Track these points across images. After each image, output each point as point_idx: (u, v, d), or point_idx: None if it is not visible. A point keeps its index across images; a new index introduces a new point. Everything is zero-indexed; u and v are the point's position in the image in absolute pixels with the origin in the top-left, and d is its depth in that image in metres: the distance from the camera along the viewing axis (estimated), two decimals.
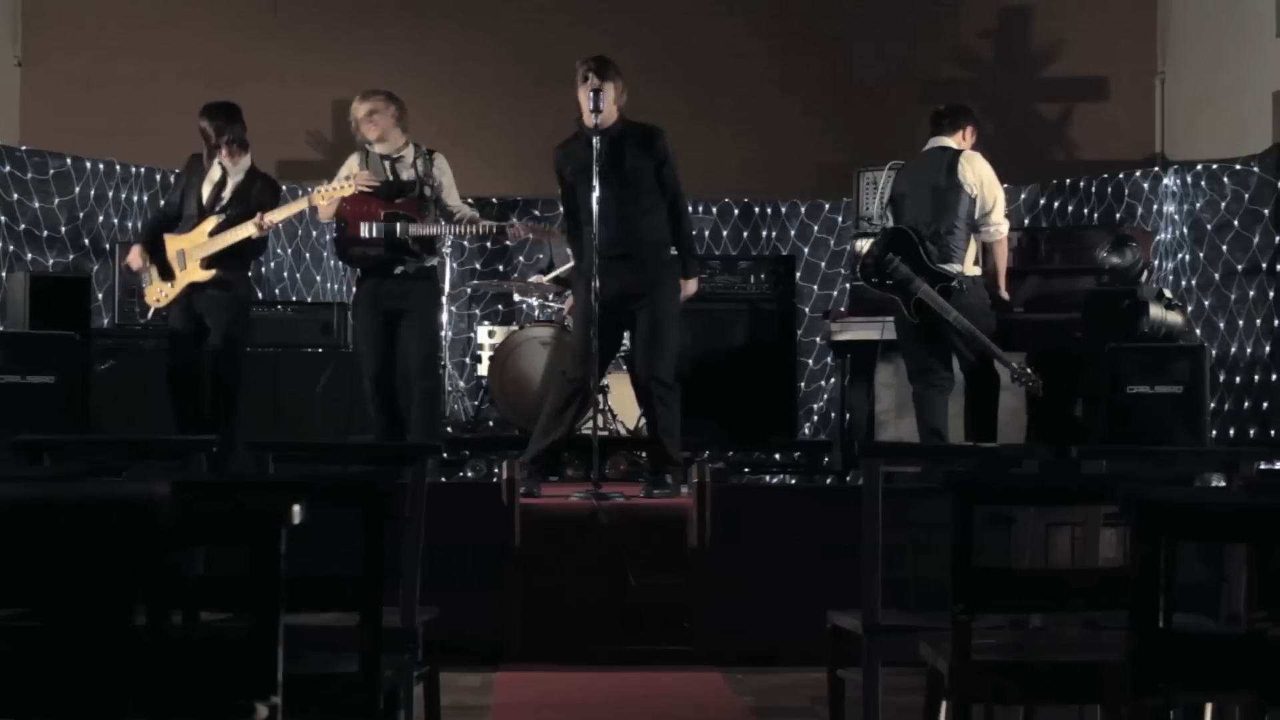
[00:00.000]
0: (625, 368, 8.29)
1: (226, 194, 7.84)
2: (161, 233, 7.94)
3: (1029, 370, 7.20)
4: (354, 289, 8.24)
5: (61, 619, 1.79)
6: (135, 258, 7.89)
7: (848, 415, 9.11)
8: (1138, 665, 2.15)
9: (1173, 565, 2.36)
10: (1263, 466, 7.06)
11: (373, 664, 2.99)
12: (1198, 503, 2.13)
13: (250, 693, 2.01)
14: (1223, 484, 4.34)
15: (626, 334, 7.50)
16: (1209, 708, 3.32)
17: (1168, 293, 8.29)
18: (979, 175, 7.53)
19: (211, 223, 7.79)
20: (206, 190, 7.86)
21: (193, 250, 7.79)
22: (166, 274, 7.85)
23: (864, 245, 8.96)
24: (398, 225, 7.81)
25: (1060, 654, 3.45)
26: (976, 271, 7.61)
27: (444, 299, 8.93)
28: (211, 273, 7.75)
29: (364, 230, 7.83)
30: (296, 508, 2.03)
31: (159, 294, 7.89)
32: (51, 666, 1.84)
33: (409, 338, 7.83)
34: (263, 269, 10.68)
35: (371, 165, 7.99)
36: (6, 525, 1.71)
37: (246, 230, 7.68)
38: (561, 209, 7.63)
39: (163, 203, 8.22)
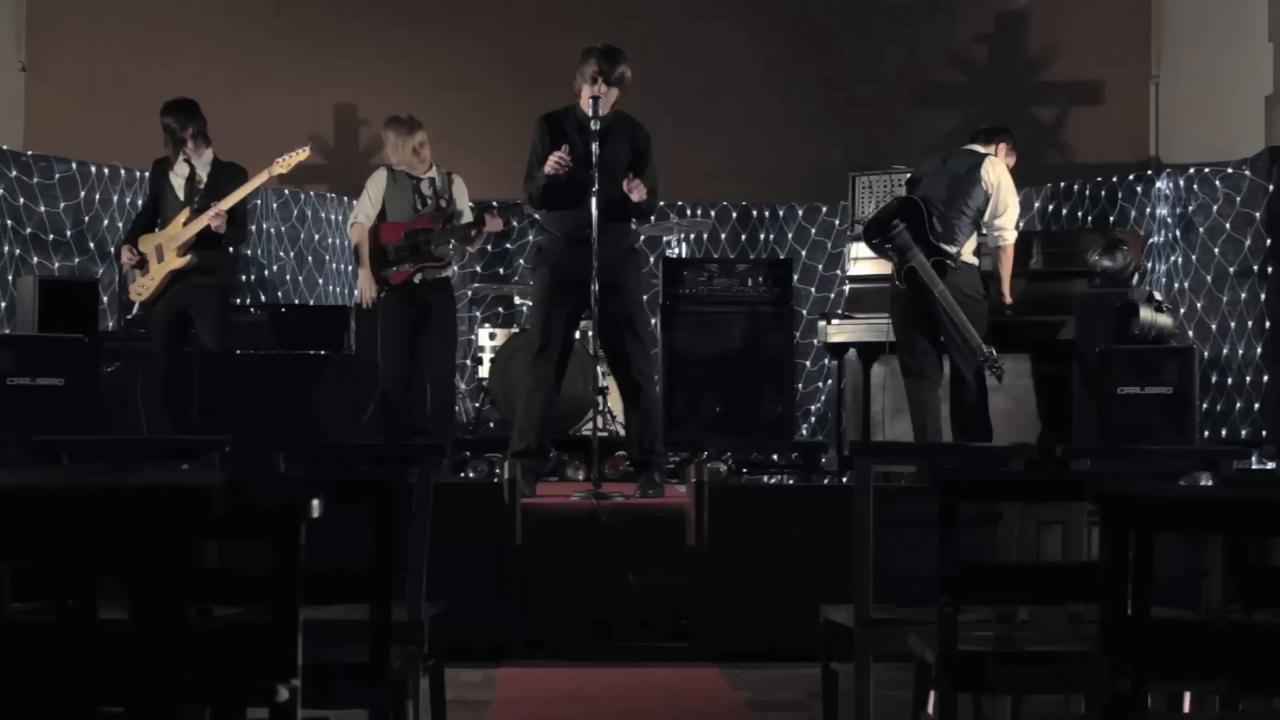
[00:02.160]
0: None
1: (199, 186, 8.07)
2: (140, 234, 8.16)
3: (995, 357, 7.34)
4: (384, 298, 8.44)
5: (113, 607, 1.90)
6: (126, 258, 8.11)
7: (843, 416, 9.22)
8: (1107, 650, 2.27)
9: (1147, 557, 2.47)
10: (1254, 465, 7.19)
11: (383, 654, 3.12)
12: (1163, 497, 2.24)
13: (272, 676, 2.13)
14: (1210, 482, 4.45)
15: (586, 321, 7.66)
16: (1188, 697, 3.45)
17: (1158, 295, 8.40)
18: (999, 179, 7.72)
19: (185, 214, 8.03)
20: (180, 185, 8.11)
21: (169, 242, 8.02)
22: (145, 270, 8.06)
23: (859, 248, 9.08)
24: (418, 239, 8.26)
25: (1045, 645, 3.57)
26: (974, 261, 7.75)
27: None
28: (188, 258, 7.98)
29: (390, 254, 8.30)
30: (316, 502, 2.15)
31: (140, 289, 8.09)
32: (91, 653, 1.95)
33: (430, 345, 8.22)
34: (265, 272, 10.78)
35: (399, 184, 8.37)
36: (63, 513, 1.81)
37: (209, 215, 7.93)
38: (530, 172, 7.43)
39: (140, 214, 8.44)
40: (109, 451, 4.61)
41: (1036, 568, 3.65)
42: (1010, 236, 7.81)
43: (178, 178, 8.13)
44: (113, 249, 9.86)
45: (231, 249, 8.44)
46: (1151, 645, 2.22)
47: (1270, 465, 7.95)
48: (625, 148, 7.29)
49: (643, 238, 10.19)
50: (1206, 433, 9.45)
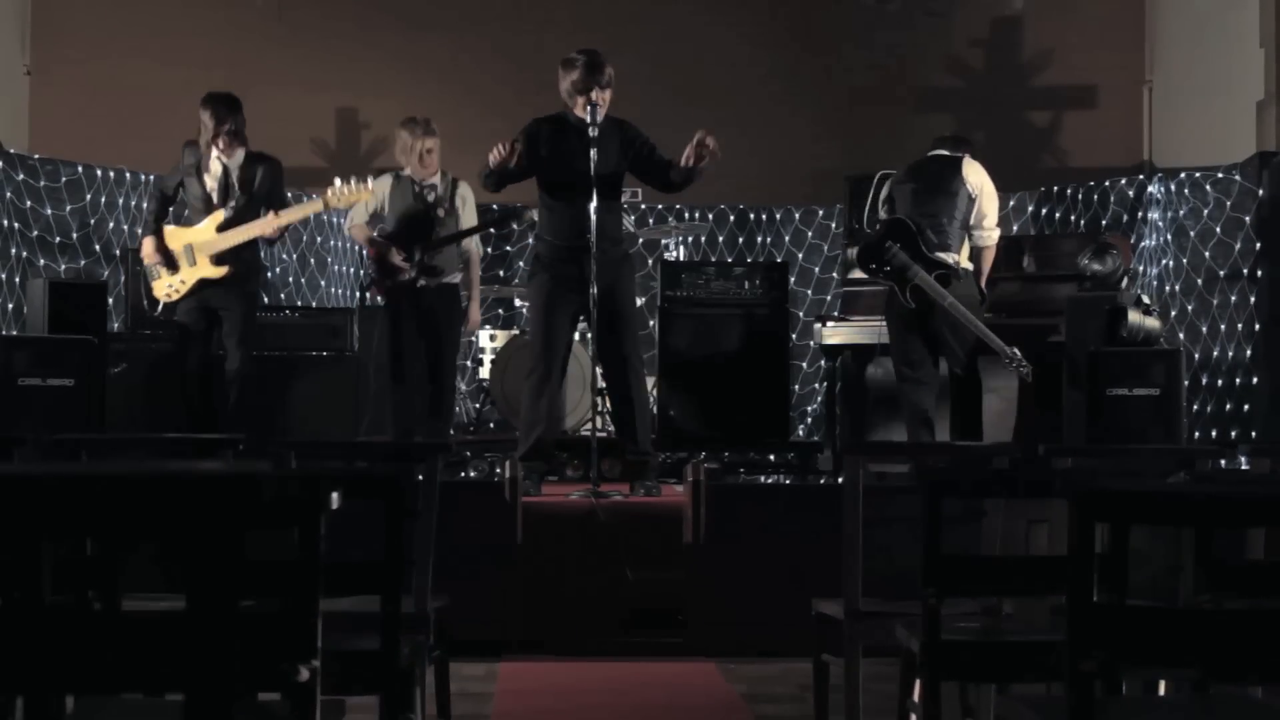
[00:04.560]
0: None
1: (233, 186, 8.01)
2: (161, 220, 8.16)
3: (1020, 355, 7.42)
4: (389, 304, 8.54)
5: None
6: (150, 252, 8.07)
7: (837, 416, 9.33)
8: (1073, 634, 2.42)
9: (1122, 549, 2.61)
10: (1244, 465, 7.30)
11: (393, 642, 3.27)
12: (1122, 491, 2.38)
13: (294, 657, 2.27)
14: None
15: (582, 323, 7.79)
16: (1163, 685, 3.58)
17: (1146, 299, 8.53)
18: (980, 181, 7.79)
19: (219, 217, 7.98)
20: (210, 184, 8.03)
21: (201, 245, 7.98)
22: (173, 267, 8.05)
23: (856, 253, 9.18)
24: (417, 249, 8.35)
25: (1026, 635, 3.72)
26: (969, 266, 7.84)
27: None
28: (224, 269, 7.97)
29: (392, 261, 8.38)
30: (335, 494, 2.29)
31: (168, 289, 8.07)
32: (137, 640, 2.08)
33: (434, 345, 8.36)
34: (268, 274, 10.89)
35: (402, 188, 8.46)
36: (126, 498, 1.94)
37: (258, 230, 7.93)
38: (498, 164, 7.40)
39: (160, 190, 8.29)
40: (126, 449, 4.75)
41: (1016, 560, 3.79)
42: (993, 237, 7.90)
43: (210, 177, 8.04)
44: (117, 252, 9.97)
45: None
46: (1113, 629, 2.36)
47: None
48: (616, 150, 7.41)
49: (640, 241, 10.34)
50: (1197, 434, 9.58)
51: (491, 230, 10.72)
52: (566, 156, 7.35)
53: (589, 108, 7.29)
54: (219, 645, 1.97)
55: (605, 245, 7.29)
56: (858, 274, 9.37)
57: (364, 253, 8.97)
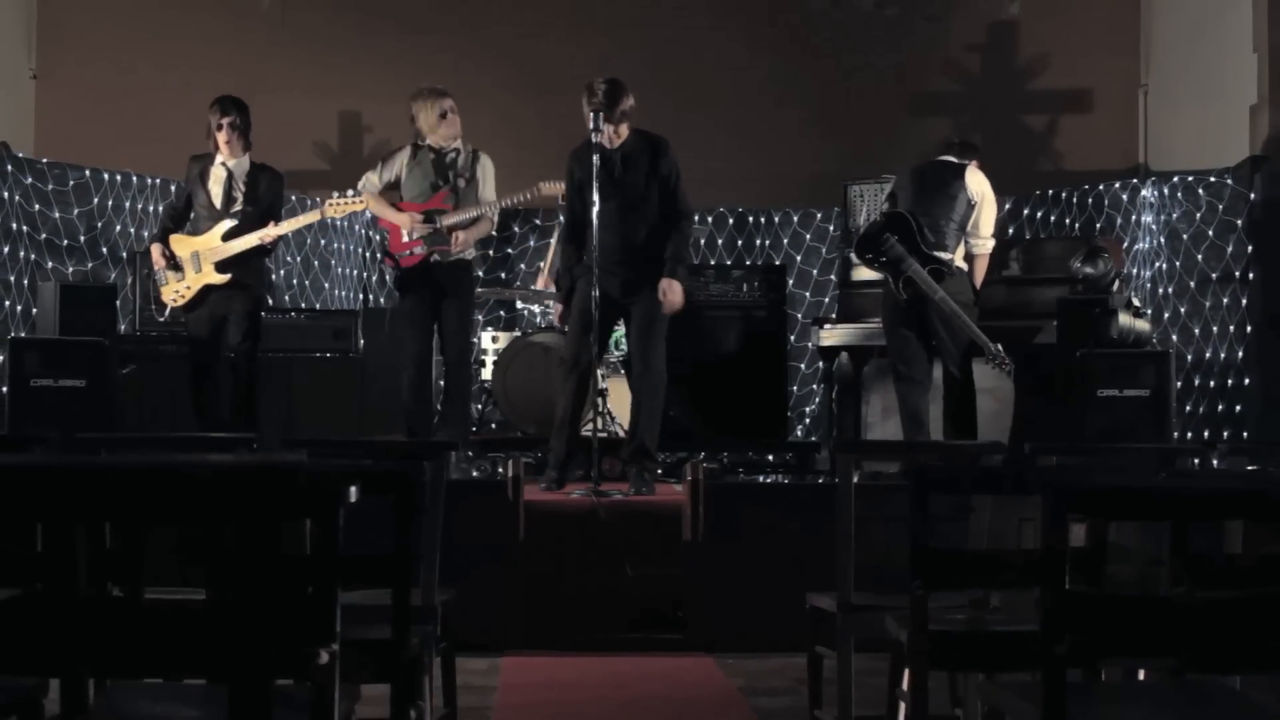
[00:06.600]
0: (623, 372, 8.66)
1: (238, 195, 8.15)
2: (170, 231, 8.26)
3: (1003, 353, 7.54)
4: (399, 279, 8.48)
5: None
6: (157, 257, 8.20)
7: (835, 417, 9.43)
8: (1047, 621, 2.55)
9: (1102, 543, 2.73)
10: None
11: (403, 633, 3.40)
12: (1093, 487, 2.51)
13: (315, 642, 2.40)
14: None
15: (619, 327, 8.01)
16: (1142, 672, 3.71)
17: (1136, 301, 8.65)
18: (981, 188, 7.90)
19: (224, 226, 8.11)
20: (216, 191, 8.15)
21: (206, 253, 8.11)
22: (180, 272, 8.18)
23: (855, 242, 9.31)
24: (435, 218, 8.28)
25: (1012, 626, 3.85)
26: (965, 267, 7.95)
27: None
28: (227, 276, 8.09)
29: (405, 234, 8.31)
30: (353, 488, 2.43)
31: (175, 294, 8.20)
32: (171, 628, 2.21)
33: (448, 323, 8.29)
34: (273, 276, 10.99)
35: (421, 158, 8.38)
36: (171, 487, 2.07)
37: (257, 239, 8.07)
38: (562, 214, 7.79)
39: (170, 202, 8.46)
40: (142, 447, 4.87)
41: (1001, 554, 3.92)
42: (989, 246, 8.01)
43: (215, 183, 8.16)
44: (124, 255, 10.10)
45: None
46: (1084, 616, 2.49)
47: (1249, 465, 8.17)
48: (650, 174, 7.55)
49: None
50: (1190, 434, 9.71)
51: (493, 234, 10.80)
52: (591, 179, 7.49)
53: (592, 114, 7.44)
54: (257, 630, 2.09)
55: (638, 261, 7.49)
56: (855, 276, 9.50)
57: (372, 218, 8.92)
